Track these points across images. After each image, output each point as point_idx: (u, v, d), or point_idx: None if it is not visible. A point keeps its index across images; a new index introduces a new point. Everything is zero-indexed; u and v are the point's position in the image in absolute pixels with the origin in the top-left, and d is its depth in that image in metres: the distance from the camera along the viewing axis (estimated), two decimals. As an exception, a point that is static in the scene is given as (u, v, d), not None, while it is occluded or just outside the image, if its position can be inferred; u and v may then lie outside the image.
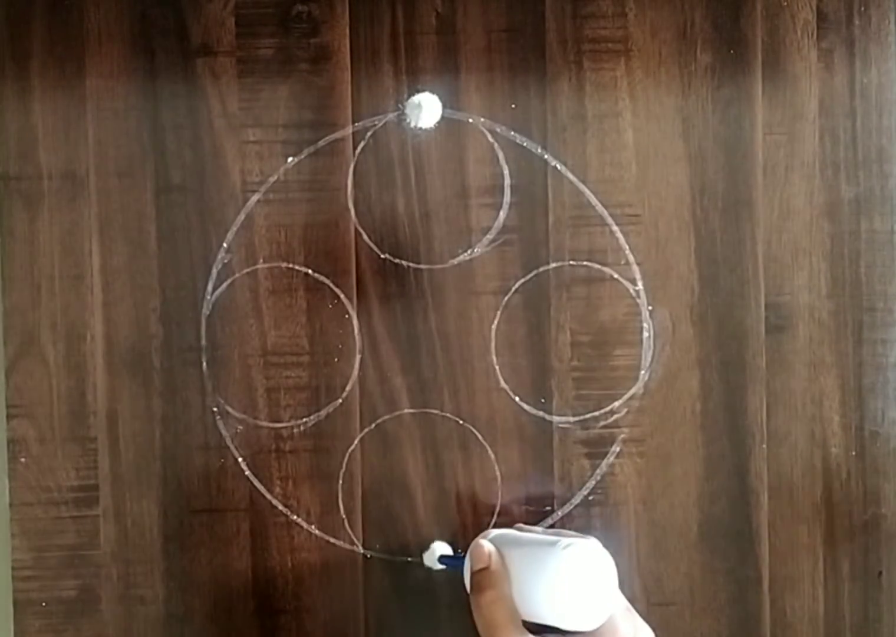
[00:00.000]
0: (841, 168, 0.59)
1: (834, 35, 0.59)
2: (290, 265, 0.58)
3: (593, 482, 0.59)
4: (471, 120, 0.58)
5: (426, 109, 0.58)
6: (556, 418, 0.59)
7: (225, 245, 0.58)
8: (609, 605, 0.49)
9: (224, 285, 0.58)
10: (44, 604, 0.58)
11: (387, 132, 0.58)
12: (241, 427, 0.58)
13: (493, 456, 0.59)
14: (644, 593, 0.59)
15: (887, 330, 0.59)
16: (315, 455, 0.58)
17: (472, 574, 0.51)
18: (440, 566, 0.58)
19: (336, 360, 0.58)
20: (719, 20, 0.58)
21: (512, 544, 0.52)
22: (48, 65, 0.58)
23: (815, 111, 0.59)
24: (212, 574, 0.58)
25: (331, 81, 0.58)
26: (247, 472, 0.59)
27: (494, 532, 0.53)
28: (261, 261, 0.58)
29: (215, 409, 0.58)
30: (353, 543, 0.59)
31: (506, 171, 0.59)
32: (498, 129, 0.58)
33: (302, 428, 0.58)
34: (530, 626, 0.50)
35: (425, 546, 0.59)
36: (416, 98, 0.58)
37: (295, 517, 0.59)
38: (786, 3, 0.59)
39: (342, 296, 0.58)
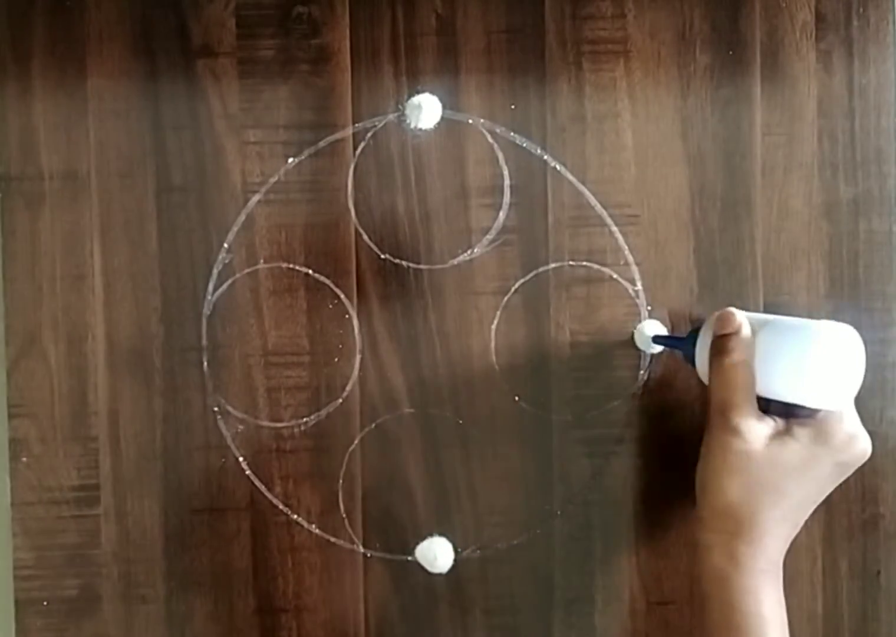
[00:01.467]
0: (839, 168, 0.59)
1: (832, 36, 0.59)
2: (291, 265, 0.58)
3: (593, 482, 0.59)
4: (470, 121, 0.59)
5: (426, 110, 0.58)
6: (555, 418, 0.59)
7: (226, 245, 0.58)
8: (852, 393, 0.51)
9: (225, 285, 0.58)
10: (45, 603, 0.58)
11: (387, 133, 0.58)
12: (241, 427, 0.59)
13: (493, 456, 0.59)
14: (643, 592, 0.59)
15: (886, 330, 0.59)
16: (315, 455, 0.59)
17: (717, 338, 0.52)
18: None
19: (336, 360, 0.59)
20: (718, 21, 0.59)
21: (760, 320, 0.52)
22: (49, 65, 0.58)
23: (813, 112, 0.59)
24: (212, 573, 0.58)
25: (331, 82, 0.58)
26: (247, 472, 0.59)
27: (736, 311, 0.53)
28: (261, 261, 0.58)
29: (216, 409, 0.58)
30: (353, 543, 0.59)
31: (505, 172, 0.59)
32: (497, 130, 0.59)
33: (302, 428, 0.58)
34: (759, 403, 0.51)
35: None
36: (416, 99, 0.58)
37: (295, 516, 0.59)
38: (784, 4, 0.59)
39: (342, 296, 0.58)
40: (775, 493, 0.50)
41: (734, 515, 0.50)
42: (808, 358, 0.50)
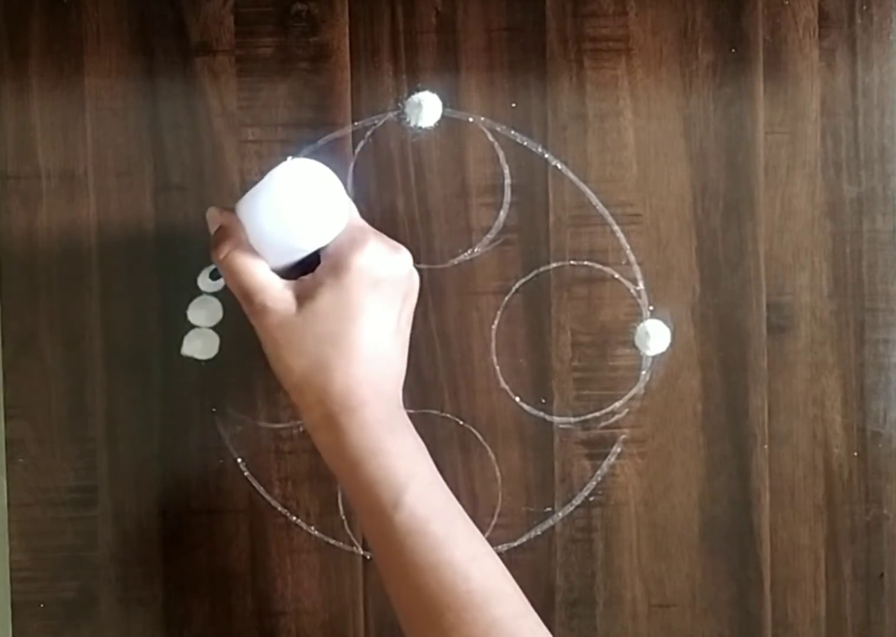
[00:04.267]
0: (843, 167, 0.59)
1: (836, 34, 0.58)
2: (290, 265, 0.58)
3: (594, 483, 0.59)
4: (471, 119, 0.58)
5: (426, 108, 0.58)
6: (556, 419, 0.59)
7: (224, 245, 0.58)
8: (338, 216, 0.50)
9: (223, 285, 0.58)
10: (42, 605, 0.58)
11: (386, 131, 0.58)
12: (240, 427, 0.58)
13: (493, 456, 0.59)
14: (645, 594, 0.59)
15: (889, 330, 0.59)
16: (314, 456, 0.58)
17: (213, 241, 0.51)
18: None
19: (335, 360, 0.58)
20: (720, 19, 0.58)
21: (245, 196, 0.51)
22: (47, 64, 0.58)
23: (816, 110, 0.59)
24: (211, 575, 0.58)
25: (330, 80, 0.58)
26: (246, 473, 0.58)
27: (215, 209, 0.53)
28: (260, 260, 0.58)
29: (214, 410, 0.58)
30: (352, 544, 0.59)
31: (506, 171, 0.58)
32: (498, 129, 0.58)
33: (301, 428, 0.58)
34: (278, 271, 0.50)
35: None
36: (416, 97, 0.58)
37: (294, 518, 0.58)
38: (787, 2, 0.58)
39: (342, 296, 0.58)
40: (339, 344, 0.48)
41: (314, 385, 0.49)
42: (272, 209, 0.49)
